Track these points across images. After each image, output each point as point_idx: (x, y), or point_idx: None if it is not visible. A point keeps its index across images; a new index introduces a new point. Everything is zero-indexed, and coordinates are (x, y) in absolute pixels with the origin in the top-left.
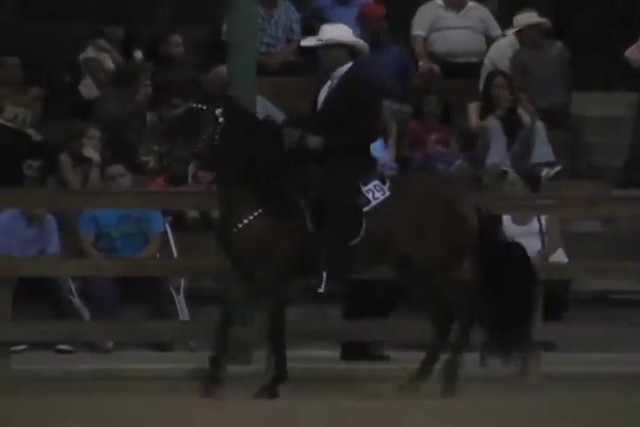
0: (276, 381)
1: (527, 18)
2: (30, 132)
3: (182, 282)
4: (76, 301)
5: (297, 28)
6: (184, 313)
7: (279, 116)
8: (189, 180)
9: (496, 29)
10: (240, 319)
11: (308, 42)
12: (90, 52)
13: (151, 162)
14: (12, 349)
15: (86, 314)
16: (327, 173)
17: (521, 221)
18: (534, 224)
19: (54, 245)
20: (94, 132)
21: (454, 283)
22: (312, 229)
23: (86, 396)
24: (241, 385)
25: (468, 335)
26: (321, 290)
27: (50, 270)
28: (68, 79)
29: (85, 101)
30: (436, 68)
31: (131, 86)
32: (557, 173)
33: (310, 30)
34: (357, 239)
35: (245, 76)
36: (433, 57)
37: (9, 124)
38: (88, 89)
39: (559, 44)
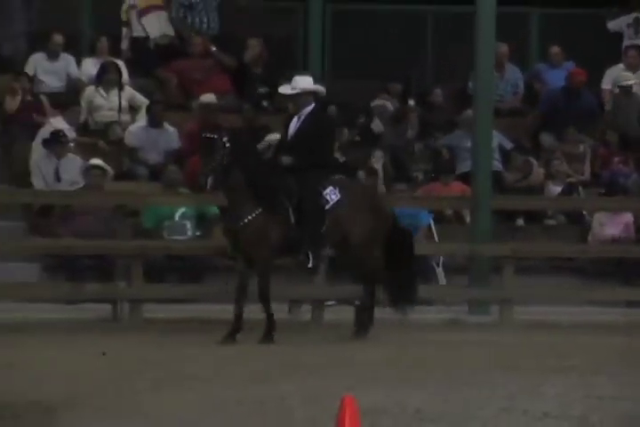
0: (269, 330)
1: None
2: (337, 155)
3: (441, 258)
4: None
5: (520, 83)
6: (442, 279)
7: (507, 143)
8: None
9: None
10: (482, 283)
11: (285, 90)
12: (378, 101)
13: (419, 176)
14: (326, 304)
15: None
16: (299, 183)
17: None
18: None
19: None
20: (380, 154)
21: (373, 257)
22: (294, 221)
23: (374, 340)
24: (481, 330)
25: (374, 295)
26: (310, 265)
27: None
28: (364, 119)
29: (374, 135)
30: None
31: (404, 124)
32: None
33: (530, 86)
34: (324, 228)
35: (485, 118)
36: None
37: None
38: (377, 126)
39: None
